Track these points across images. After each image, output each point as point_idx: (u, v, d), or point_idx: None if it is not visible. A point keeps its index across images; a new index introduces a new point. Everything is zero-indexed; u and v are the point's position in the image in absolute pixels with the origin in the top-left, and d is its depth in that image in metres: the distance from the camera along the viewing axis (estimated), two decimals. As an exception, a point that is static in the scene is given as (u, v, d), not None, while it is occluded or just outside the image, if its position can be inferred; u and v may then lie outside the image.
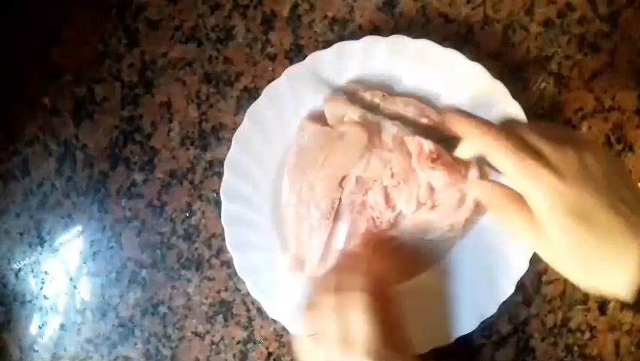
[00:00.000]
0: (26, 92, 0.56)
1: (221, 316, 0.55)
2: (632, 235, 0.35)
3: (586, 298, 0.53)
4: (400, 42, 0.50)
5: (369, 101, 0.49)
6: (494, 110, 0.50)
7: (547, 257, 0.39)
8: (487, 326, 0.54)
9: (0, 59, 0.56)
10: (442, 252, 0.50)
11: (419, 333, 0.50)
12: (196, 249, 0.55)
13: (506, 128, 0.39)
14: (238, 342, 0.55)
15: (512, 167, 0.37)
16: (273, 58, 0.55)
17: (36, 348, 0.57)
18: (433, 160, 0.46)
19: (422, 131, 0.48)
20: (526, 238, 0.39)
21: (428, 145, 0.46)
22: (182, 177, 0.55)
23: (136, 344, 0.56)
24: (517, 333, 0.54)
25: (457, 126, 0.41)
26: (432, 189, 0.48)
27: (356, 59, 0.51)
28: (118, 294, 0.56)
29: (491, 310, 0.50)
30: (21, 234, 0.56)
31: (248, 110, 0.51)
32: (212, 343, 0.56)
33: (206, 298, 0.55)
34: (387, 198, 0.49)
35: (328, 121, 0.50)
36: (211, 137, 0.55)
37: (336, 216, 0.50)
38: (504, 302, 0.50)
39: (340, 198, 0.50)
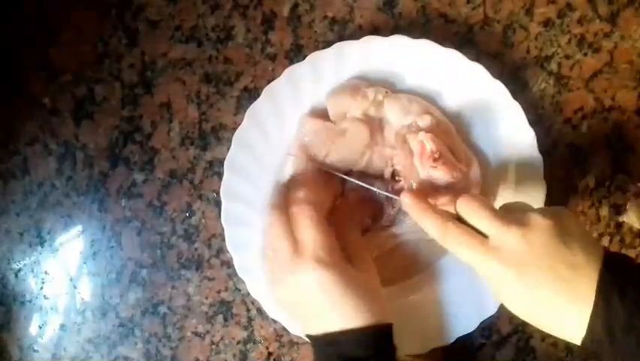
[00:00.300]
0: (26, 92, 0.56)
1: (221, 316, 0.55)
2: (575, 302, 0.37)
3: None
4: (400, 42, 0.50)
5: (372, 97, 0.49)
6: (494, 110, 0.51)
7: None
8: (487, 326, 0.54)
9: (0, 59, 0.56)
10: (442, 251, 0.50)
11: (419, 333, 0.51)
12: (196, 249, 0.55)
13: (452, 214, 0.42)
14: (238, 342, 0.55)
15: (463, 253, 0.40)
16: (273, 58, 0.55)
17: (36, 348, 0.57)
18: (435, 159, 0.46)
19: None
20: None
21: (430, 144, 0.46)
22: (182, 177, 0.55)
23: (136, 344, 0.56)
24: (517, 333, 0.54)
25: (417, 219, 0.43)
26: (433, 188, 0.48)
27: (356, 59, 0.51)
28: (118, 294, 0.56)
29: (491, 310, 0.50)
30: (21, 234, 0.56)
31: (248, 110, 0.51)
32: (212, 343, 0.56)
33: (206, 298, 0.55)
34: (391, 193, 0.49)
35: (330, 117, 0.50)
36: (211, 137, 0.55)
37: None
38: (504, 302, 0.50)
39: (351, 170, 0.50)
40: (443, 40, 0.51)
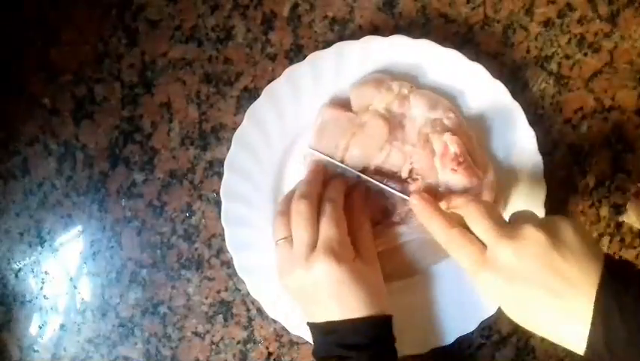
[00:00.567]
0: (26, 92, 0.56)
1: (221, 316, 0.55)
2: (571, 318, 0.36)
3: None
4: (400, 42, 0.50)
5: (397, 91, 0.49)
6: (494, 111, 0.51)
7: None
8: (487, 326, 0.54)
9: (0, 59, 0.56)
10: (446, 254, 0.50)
11: (419, 333, 0.51)
12: (196, 249, 0.55)
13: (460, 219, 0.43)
14: (238, 342, 0.55)
15: (462, 260, 0.41)
16: (273, 58, 0.55)
17: (36, 348, 0.57)
18: (458, 163, 0.46)
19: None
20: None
21: (454, 147, 0.46)
22: (182, 177, 0.55)
23: (136, 344, 0.56)
24: (517, 333, 0.54)
25: (423, 221, 0.44)
26: (448, 191, 0.48)
27: (356, 59, 0.51)
28: (118, 294, 0.56)
29: (491, 310, 0.50)
30: (21, 234, 0.56)
31: (248, 110, 0.51)
32: (212, 343, 0.56)
33: (206, 298, 0.55)
34: (402, 192, 0.49)
35: (353, 107, 0.50)
36: (211, 137, 0.55)
37: None
38: (504, 302, 0.50)
39: (367, 168, 0.50)
40: (443, 40, 0.51)
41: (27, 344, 0.57)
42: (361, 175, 0.49)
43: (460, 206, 0.44)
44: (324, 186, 0.48)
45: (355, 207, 0.48)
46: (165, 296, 0.56)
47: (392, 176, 0.49)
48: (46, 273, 0.56)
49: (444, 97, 0.50)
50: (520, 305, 0.39)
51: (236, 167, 0.51)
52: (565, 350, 0.38)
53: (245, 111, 0.51)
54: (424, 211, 0.44)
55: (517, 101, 0.50)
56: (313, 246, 0.44)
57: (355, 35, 0.52)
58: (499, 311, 0.49)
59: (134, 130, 0.55)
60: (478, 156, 0.48)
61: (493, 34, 0.54)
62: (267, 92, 0.51)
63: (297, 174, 0.51)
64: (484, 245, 0.40)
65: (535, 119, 0.53)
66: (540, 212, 0.50)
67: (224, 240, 0.52)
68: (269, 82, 0.51)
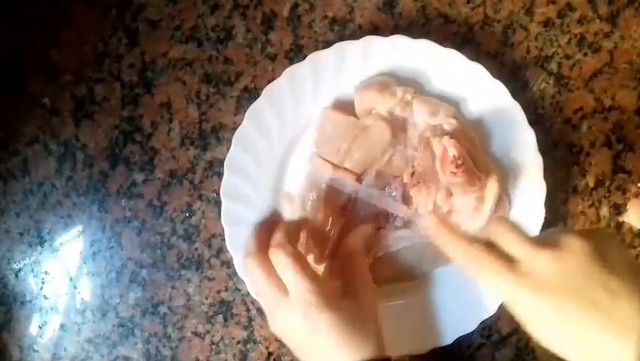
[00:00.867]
0: (26, 92, 0.56)
1: (221, 316, 0.55)
2: (617, 335, 0.34)
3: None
4: (400, 42, 0.50)
5: (400, 96, 0.49)
6: (494, 111, 0.51)
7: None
8: (487, 326, 0.54)
9: (0, 59, 0.56)
10: (448, 259, 0.50)
11: (419, 333, 0.51)
12: (196, 249, 0.55)
13: (486, 236, 0.40)
14: (238, 342, 0.55)
15: (491, 279, 0.38)
16: (273, 58, 0.55)
17: (36, 348, 0.57)
18: (458, 166, 0.46)
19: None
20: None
21: (453, 150, 0.46)
22: (182, 177, 0.55)
23: (136, 344, 0.56)
24: (517, 333, 0.54)
25: (441, 242, 0.41)
26: (450, 194, 0.48)
27: (356, 59, 0.51)
28: (118, 294, 0.56)
29: (491, 310, 0.50)
30: (21, 234, 0.56)
31: (248, 110, 0.51)
32: (212, 343, 0.56)
33: (206, 298, 0.55)
34: (404, 196, 0.49)
35: (356, 111, 0.50)
36: (211, 137, 0.55)
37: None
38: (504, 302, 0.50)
39: (357, 191, 0.50)
40: (443, 40, 0.51)
41: (27, 344, 0.57)
42: (359, 187, 0.49)
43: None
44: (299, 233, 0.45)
45: (348, 248, 0.46)
46: (165, 296, 0.56)
47: (392, 180, 0.49)
48: (46, 273, 0.56)
49: (446, 101, 0.50)
50: (559, 323, 0.35)
51: (236, 167, 0.51)
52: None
53: (245, 111, 0.51)
54: (440, 232, 0.41)
55: (517, 101, 0.50)
56: (282, 296, 0.41)
57: (355, 35, 0.52)
58: (499, 311, 0.49)
59: (134, 130, 0.55)
60: (480, 159, 0.48)
61: (493, 34, 0.54)
62: (267, 92, 0.51)
63: (297, 174, 0.51)
64: (511, 261, 0.37)
65: (535, 119, 0.53)
66: (540, 212, 0.50)
67: (224, 240, 0.52)
68: (269, 82, 0.51)
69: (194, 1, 0.55)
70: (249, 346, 0.55)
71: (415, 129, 0.49)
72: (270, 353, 0.55)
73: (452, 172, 0.46)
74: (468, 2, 0.54)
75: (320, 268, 0.47)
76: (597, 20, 0.54)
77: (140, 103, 0.55)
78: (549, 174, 0.50)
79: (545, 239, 0.38)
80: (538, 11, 0.54)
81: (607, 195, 0.54)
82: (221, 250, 0.55)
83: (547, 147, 0.53)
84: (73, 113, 0.56)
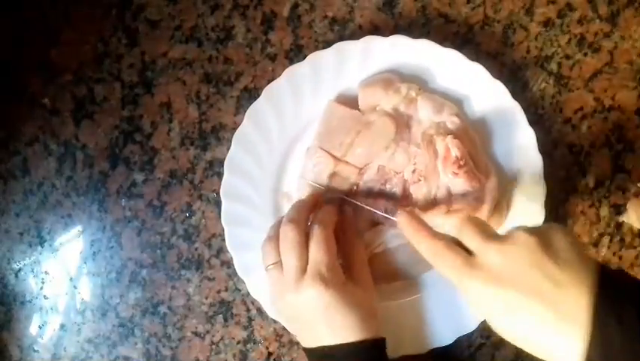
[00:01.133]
0: (26, 92, 0.56)
1: (221, 316, 0.55)
2: (561, 324, 0.34)
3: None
4: (400, 42, 0.50)
5: (404, 93, 0.49)
6: (494, 111, 0.51)
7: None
8: (487, 326, 0.54)
9: (0, 59, 0.56)
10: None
11: (419, 333, 0.51)
12: (196, 249, 0.55)
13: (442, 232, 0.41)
14: (238, 342, 0.55)
15: (446, 270, 0.39)
16: (273, 58, 0.55)
17: (36, 348, 0.57)
18: (460, 167, 0.46)
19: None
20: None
21: (455, 150, 0.46)
22: (182, 177, 0.55)
23: (136, 344, 0.56)
24: (517, 333, 0.54)
25: (409, 236, 0.42)
26: (450, 194, 0.48)
27: (356, 59, 0.51)
28: (118, 294, 0.56)
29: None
30: (21, 234, 0.56)
31: (248, 110, 0.51)
32: (212, 343, 0.56)
33: (206, 298, 0.55)
34: (405, 192, 0.49)
35: (360, 106, 0.50)
36: (211, 137, 0.55)
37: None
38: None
39: (358, 184, 0.50)
40: (443, 40, 0.51)
41: (27, 344, 0.57)
42: (349, 199, 0.49)
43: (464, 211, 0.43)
44: (317, 210, 0.47)
45: (347, 230, 0.48)
46: (165, 296, 0.56)
47: (381, 194, 0.50)
48: (46, 273, 0.56)
49: (449, 100, 0.50)
50: (508, 314, 0.36)
51: (236, 167, 0.51)
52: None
53: (245, 111, 0.51)
54: (409, 228, 0.42)
55: (517, 101, 0.50)
56: (302, 271, 0.43)
57: (355, 35, 0.52)
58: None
59: (134, 130, 0.55)
60: (480, 160, 0.48)
61: (493, 34, 0.54)
62: (267, 92, 0.51)
63: (297, 174, 0.51)
64: (470, 255, 0.38)
65: (535, 119, 0.53)
66: (540, 212, 0.50)
67: (224, 240, 0.52)
68: (269, 82, 0.51)
69: (194, 1, 0.55)
70: (249, 346, 0.55)
71: (418, 126, 0.49)
72: (270, 353, 0.55)
73: (454, 172, 0.46)
74: (468, 2, 0.54)
75: None
76: (597, 20, 0.54)
77: (140, 103, 0.55)
78: (549, 174, 0.50)
79: (505, 234, 0.39)
80: (538, 11, 0.54)
81: (607, 195, 0.54)
82: (221, 250, 0.55)
83: (547, 147, 0.53)
84: (73, 113, 0.56)
